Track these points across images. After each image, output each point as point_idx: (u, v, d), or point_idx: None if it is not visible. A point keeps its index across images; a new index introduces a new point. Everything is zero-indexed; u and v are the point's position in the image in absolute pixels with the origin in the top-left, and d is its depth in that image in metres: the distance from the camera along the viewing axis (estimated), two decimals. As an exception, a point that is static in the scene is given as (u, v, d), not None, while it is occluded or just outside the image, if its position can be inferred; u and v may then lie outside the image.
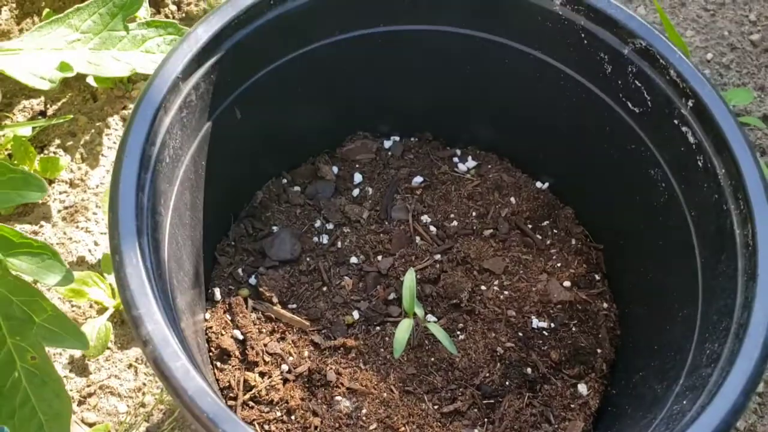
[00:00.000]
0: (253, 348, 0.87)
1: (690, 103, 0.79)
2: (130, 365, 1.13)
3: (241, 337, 0.88)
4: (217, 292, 0.91)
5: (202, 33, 0.77)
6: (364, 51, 0.94)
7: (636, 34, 0.81)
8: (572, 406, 0.88)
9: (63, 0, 1.40)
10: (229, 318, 0.89)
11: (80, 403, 1.10)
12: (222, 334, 0.87)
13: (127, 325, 1.16)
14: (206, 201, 0.86)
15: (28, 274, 0.82)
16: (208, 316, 0.89)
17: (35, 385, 0.83)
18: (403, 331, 0.86)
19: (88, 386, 1.11)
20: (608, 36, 0.84)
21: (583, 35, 0.85)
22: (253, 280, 0.93)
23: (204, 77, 0.79)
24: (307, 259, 0.95)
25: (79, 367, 1.13)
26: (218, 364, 0.87)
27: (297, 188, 1.01)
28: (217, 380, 0.86)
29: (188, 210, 0.81)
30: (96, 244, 1.23)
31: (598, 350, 0.91)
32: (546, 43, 0.89)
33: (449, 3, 0.90)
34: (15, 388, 0.82)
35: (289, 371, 0.87)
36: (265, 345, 0.88)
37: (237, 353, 0.87)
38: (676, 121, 0.81)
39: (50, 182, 1.28)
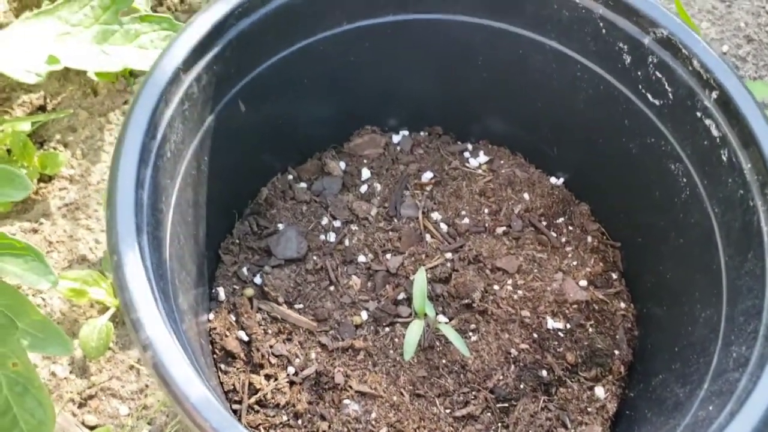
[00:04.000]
0: (258, 350, 0.84)
1: (714, 95, 0.75)
2: (132, 366, 1.10)
3: (246, 338, 0.85)
4: (221, 291, 0.88)
5: (204, 22, 0.73)
6: (372, 41, 0.91)
7: (658, 23, 0.78)
8: (589, 409, 0.85)
9: (63, -8, 1.37)
10: (234, 318, 0.86)
11: (81, 406, 1.07)
12: (226, 335, 0.84)
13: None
14: (209, 198, 0.83)
15: (11, 276, 0.79)
16: (212, 316, 0.86)
17: (16, 393, 0.80)
18: (414, 332, 0.83)
19: (89, 388, 1.08)
20: (628, 25, 0.80)
21: (601, 24, 0.82)
22: (258, 280, 0.90)
23: (206, 68, 0.75)
24: (314, 257, 0.92)
25: (80, 369, 1.10)
26: (222, 366, 0.83)
27: (303, 184, 0.98)
28: (222, 383, 0.83)
29: (191, 207, 0.78)
30: (97, 242, 1.20)
31: (616, 352, 0.88)
32: (562, 33, 0.86)
33: (461, -9, 0.86)
34: None
35: (296, 373, 0.84)
36: (271, 346, 0.85)
37: (242, 355, 0.84)
38: (699, 114, 0.77)
39: (50, 178, 1.25)
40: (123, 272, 0.59)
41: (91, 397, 1.08)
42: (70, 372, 1.09)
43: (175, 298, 0.69)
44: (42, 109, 1.34)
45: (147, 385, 1.09)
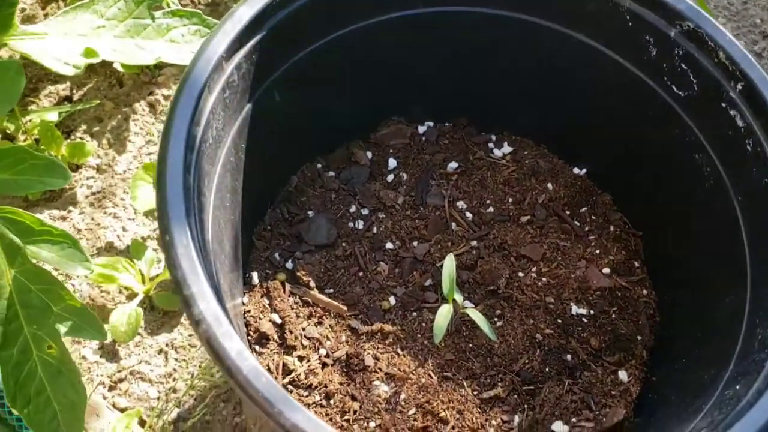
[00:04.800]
0: (291, 332, 0.86)
1: (739, 86, 0.78)
2: (161, 351, 1.12)
3: (279, 321, 0.88)
4: (255, 276, 0.90)
5: (245, 12, 0.76)
6: (401, 33, 0.93)
7: (684, 16, 0.80)
8: (613, 392, 0.87)
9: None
10: (267, 302, 0.89)
11: (111, 389, 1.10)
12: (260, 318, 0.87)
13: (156, 311, 1.15)
14: (245, 184, 0.85)
15: (48, 263, 0.81)
16: (246, 299, 0.88)
17: (51, 374, 0.83)
18: (443, 316, 0.85)
19: (119, 372, 1.11)
20: (654, 18, 0.82)
21: (628, 17, 0.84)
22: (289, 265, 0.92)
23: (246, 57, 0.78)
24: (343, 244, 0.95)
25: (110, 353, 1.12)
26: (257, 347, 0.86)
27: (331, 173, 1.01)
28: (256, 364, 0.85)
29: (228, 192, 0.80)
30: (124, 229, 1.22)
31: (639, 337, 0.90)
32: (589, 26, 0.88)
33: (490, -16, 0.89)
34: (31, 377, 0.82)
35: (327, 356, 0.86)
36: (303, 329, 0.87)
37: (275, 337, 0.87)
38: (724, 105, 0.79)
39: (77, 167, 1.27)
40: (175, 251, 0.61)
41: (120, 380, 1.10)
42: (100, 356, 1.12)
43: (217, 279, 0.71)
44: (68, 99, 1.36)
45: (175, 369, 1.11)
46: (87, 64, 0.84)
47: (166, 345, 1.12)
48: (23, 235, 0.79)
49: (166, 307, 1.14)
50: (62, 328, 0.80)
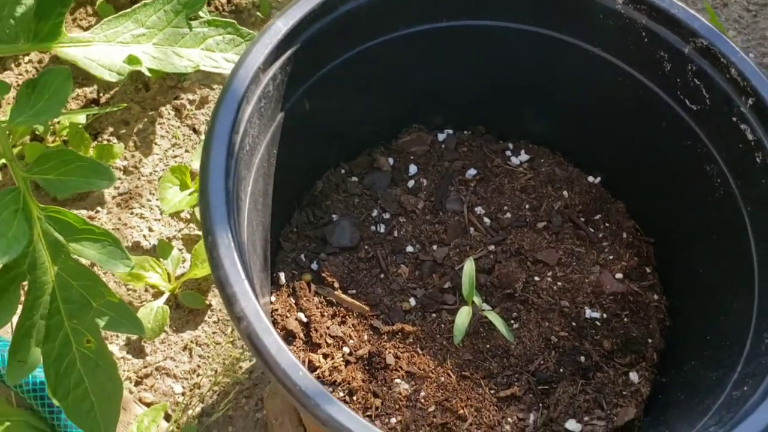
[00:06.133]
0: (316, 330, 0.90)
1: (750, 102, 0.81)
2: (185, 347, 1.16)
3: (305, 319, 0.91)
4: (282, 276, 0.94)
5: (281, 25, 0.80)
6: (425, 45, 0.97)
7: (698, 34, 0.83)
8: (624, 393, 0.90)
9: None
10: (293, 301, 0.93)
11: (137, 384, 1.14)
12: (287, 316, 0.91)
13: (182, 309, 1.19)
14: (274, 189, 0.89)
15: (89, 260, 0.85)
16: (273, 298, 0.92)
17: (89, 367, 0.85)
18: (463, 317, 0.89)
19: (145, 367, 1.15)
20: (669, 35, 0.86)
21: (643, 34, 0.88)
22: (314, 266, 0.96)
23: (281, 69, 0.82)
24: (366, 246, 0.99)
25: (136, 349, 1.16)
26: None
27: (355, 178, 1.05)
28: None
29: (261, 196, 0.84)
30: (150, 230, 1.26)
31: (649, 340, 0.94)
32: (606, 41, 0.92)
33: None
34: (70, 370, 0.84)
35: (351, 354, 0.90)
36: (328, 328, 0.91)
37: (301, 335, 0.90)
38: (735, 119, 0.83)
39: (105, 169, 1.31)
40: (218, 252, 0.65)
41: (146, 375, 1.14)
42: (127, 352, 1.16)
43: (252, 278, 0.75)
44: (95, 102, 1.41)
45: (199, 366, 1.15)
46: (130, 71, 0.88)
47: (191, 342, 1.16)
48: (66, 233, 0.83)
49: (191, 305, 1.18)
50: (101, 323, 0.84)
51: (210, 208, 0.67)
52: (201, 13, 1.17)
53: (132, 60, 0.87)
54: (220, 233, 0.66)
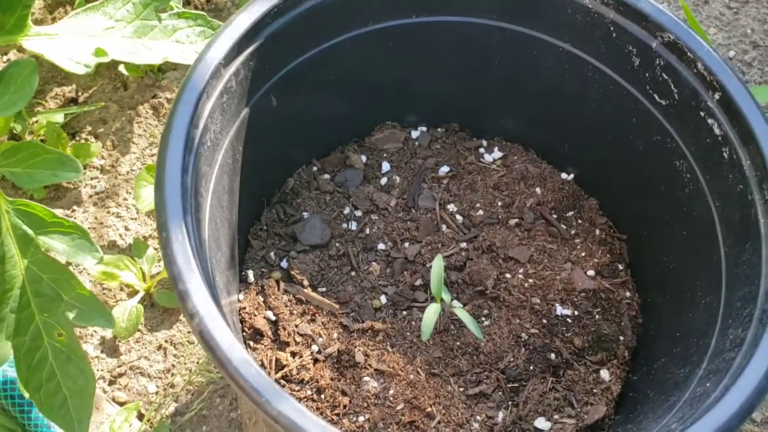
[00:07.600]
0: (284, 329, 0.90)
1: (717, 96, 0.81)
2: (160, 347, 1.16)
3: (273, 318, 0.91)
4: (251, 274, 0.93)
5: (243, 20, 0.79)
6: (395, 42, 0.96)
7: (665, 28, 0.83)
8: (595, 391, 0.90)
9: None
10: (262, 299, 0.92)
11: (111, 383, 1.13)
12: (255, 315, 0.90)
13: (156, 308, 1.19)
14: (242, 185, 0.88)
15: (59, 253, 0.84)
16: (241, 297, 0.91)
17: (61, 361, 0.85)
18: (431, 314, 0.88)
19: (119, 367, 1.14)
20: (637, 29, 0.85)
21: (612, 28, 0.87)
22: (284, 264, 0.95)
23: (243, 64, 0.81)
24: (337, 244, 0.98)
25: (110, 348, 1.16)
26: (251, 343, 0.89)
27: (327, 176, 1.04)
28: (250, 359, 0.88)
29: (226, 193, 0.84)
30: (126, 229, 1.26)
31: (621, 338, 0.93)
32: (575, 36, 0.91)
33: (481, -5, 0.92)
34: (42, 363, 0.84)
35: (319, 352, 0.90)
36: (296, 326, 0.90)
37: (269, 333, 0.90)
38: (702, 113, 0.82)
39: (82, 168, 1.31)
40: (172, 248, 0.64)
41: (120, 375, 1.14)
42: (101, 351, 1.15)
43: (212, 276, 0.74)
44: (73, 101, 1.40)
45: (174, 365, 1.14)
46: (97, 63, 0.87)
47: (166, 341, 1.16)
48: (35, 226, 0.83)
49: (165, 304, 1.17)
50: (71, 316, 0.83)
51: (165, 204, 0.66)
52: (174, 6, 1.17)
53: (99, 52, 0.87)
54: (174, 230, 0.65)
